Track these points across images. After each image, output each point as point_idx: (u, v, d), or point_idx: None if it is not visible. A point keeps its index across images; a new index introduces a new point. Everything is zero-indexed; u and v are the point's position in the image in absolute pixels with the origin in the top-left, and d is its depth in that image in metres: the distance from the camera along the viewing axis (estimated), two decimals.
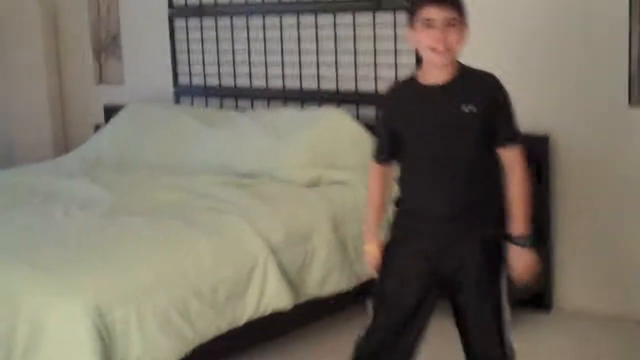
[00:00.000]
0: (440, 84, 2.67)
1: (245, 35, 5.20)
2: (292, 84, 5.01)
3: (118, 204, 3.92)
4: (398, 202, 2.81)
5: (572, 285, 4.15)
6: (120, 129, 5.20)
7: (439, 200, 2.70)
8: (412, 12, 2.67)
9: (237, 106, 5.28)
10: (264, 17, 5.07)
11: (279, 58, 5.05)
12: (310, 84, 4.93)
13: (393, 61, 4.54)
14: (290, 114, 4.62)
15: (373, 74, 4.64)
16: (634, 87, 3.81)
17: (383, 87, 4.55)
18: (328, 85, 4.84)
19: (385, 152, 2.83)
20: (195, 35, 5.48)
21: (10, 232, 3.57)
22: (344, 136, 4.30)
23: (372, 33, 4.62)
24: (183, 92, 5.61)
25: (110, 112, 5.66)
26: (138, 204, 3.92)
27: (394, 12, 4.48)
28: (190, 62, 5.52)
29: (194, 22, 5.47)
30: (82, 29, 6.14)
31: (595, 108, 3.95)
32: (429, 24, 2.60)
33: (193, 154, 4.68)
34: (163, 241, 3.42)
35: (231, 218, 3.66)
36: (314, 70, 4.89)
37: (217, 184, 4.14)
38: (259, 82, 5.18)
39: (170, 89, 5.66)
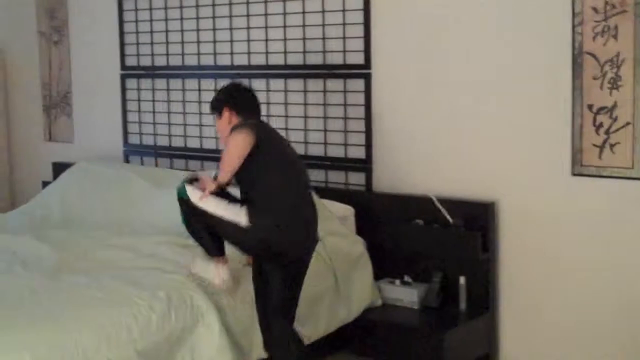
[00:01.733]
0: None
1: (197, 97, 5.23)
2: None
3: (62, 262, 3.87)
4: None
5: (517, 348, 4.18)
6: (68, 187, 5.15)
7: None
8: None
9: (187, 166, 5.28)
10: (215, 79, 5.12)
11: None
12: None
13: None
14: None
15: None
16: (576, 157, 3.90)
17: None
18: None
19: None
20: (146, 95, 5.49)
21: None
22: None
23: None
24: (133, 152, 5.60)
25: (59, 169, 5.62)
26: (82, 263, 3.88)
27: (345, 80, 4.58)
28: (141, 122, 5.53)
29: (145, 82, 5.49)
30: (33, 86, 6.13)
31: (541, 177, 4.03)
32: None
33: (140, 214, 4.64)
34: (105, 301, 3.37)
35: (175, 277, 3.63)
36: None
37: (162, 244, 4.11)
38: (209, 144, 5.20)
39: (120, 147, 5.66)
